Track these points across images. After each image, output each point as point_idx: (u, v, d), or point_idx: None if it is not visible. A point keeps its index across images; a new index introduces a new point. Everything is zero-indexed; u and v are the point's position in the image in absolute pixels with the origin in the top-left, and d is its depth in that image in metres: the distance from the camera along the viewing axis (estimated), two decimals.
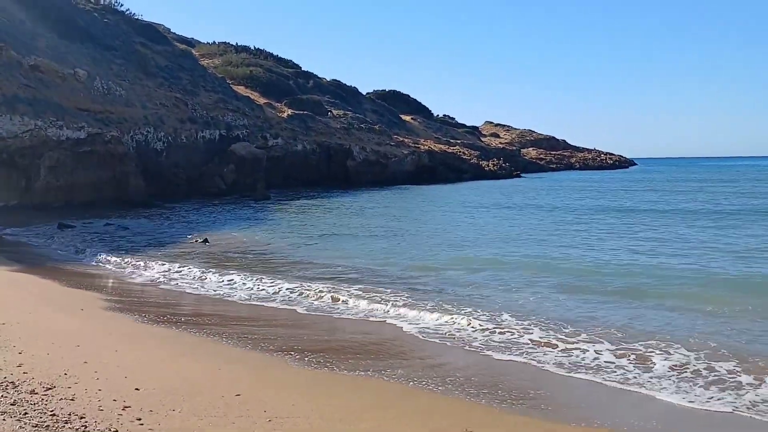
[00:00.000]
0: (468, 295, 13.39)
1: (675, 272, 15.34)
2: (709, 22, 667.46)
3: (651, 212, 32.25)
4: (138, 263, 17.53)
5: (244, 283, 14.84)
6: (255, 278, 15.28)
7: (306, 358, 9.20)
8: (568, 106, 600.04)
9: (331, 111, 70.20)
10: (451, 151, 76.60)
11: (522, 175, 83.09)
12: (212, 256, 18.86)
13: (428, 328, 10.99)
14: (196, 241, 21.63)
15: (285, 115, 62.62)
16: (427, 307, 12.21)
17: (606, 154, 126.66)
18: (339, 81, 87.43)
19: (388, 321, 11.62)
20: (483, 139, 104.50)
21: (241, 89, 63.62)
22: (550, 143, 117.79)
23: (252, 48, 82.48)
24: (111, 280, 15.47)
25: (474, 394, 7.86)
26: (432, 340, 10.43)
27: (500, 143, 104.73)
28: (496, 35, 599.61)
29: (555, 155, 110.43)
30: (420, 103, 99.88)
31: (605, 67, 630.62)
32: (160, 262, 17.46)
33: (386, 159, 64.21)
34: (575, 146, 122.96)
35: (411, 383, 8.25)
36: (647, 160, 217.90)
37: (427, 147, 73.72)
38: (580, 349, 9.61)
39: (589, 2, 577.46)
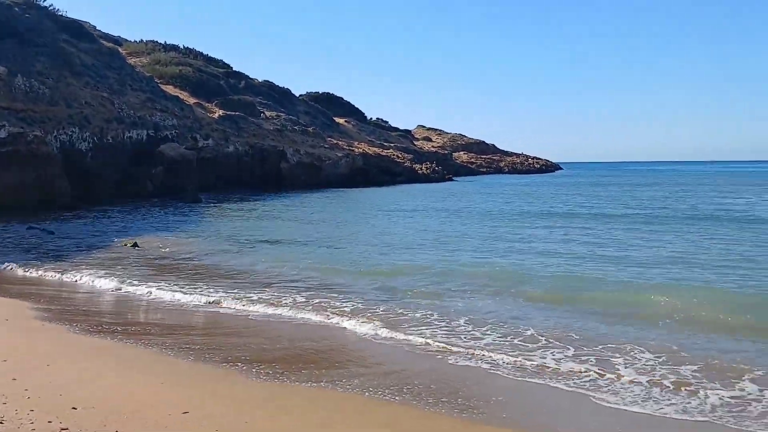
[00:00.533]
0: (419, 300, 13.13)
1: (618, 278, 15.44)
2: (633, 27, 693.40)
3: (584, 217, 32.76)
4: (66, 269, 16.56)
5: (179, 290, 14.16)
6: (189, 284, 14.65)
7: (255, 369, 8.74)
8: (497, 112, 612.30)
9: (263, 112, 69.08)
10: (385, 154, 76.64)
11: (454, 178, 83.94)
12: (143, 261, 18.04)
13: (379, 334, 10.66)
14: (125, 245, 20.69)
15: (216, 115, 61.20)
16: (379, 312, 11.94)
17: (533, 158, 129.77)
18: (271, 82, 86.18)
19: (338, 326, 11.27)
20: (416, 142, 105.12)
21: (170, 89, 61.80)
22: (480, 147, 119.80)
23: (181, 47, 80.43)
24: (38, 288, 14.50)
25: (433, 404, 7.59)
26: (386, 344, 10.14)
27: (432, 147, 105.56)
28: (428, 40, 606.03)
29: (485, 159, 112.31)
30: (353, 105, 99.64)
31: (532, 73, 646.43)
32: (88, 268, 16.57)
33: (320, 162, 63.61)
34: (504, 150, 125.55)
35: (367, 393, 7.92)
36: (572, 164, 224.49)
37: (361, 150, 73.50)
38: (538, 355, 9.47)
39: (516, 7, 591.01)
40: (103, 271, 16.17)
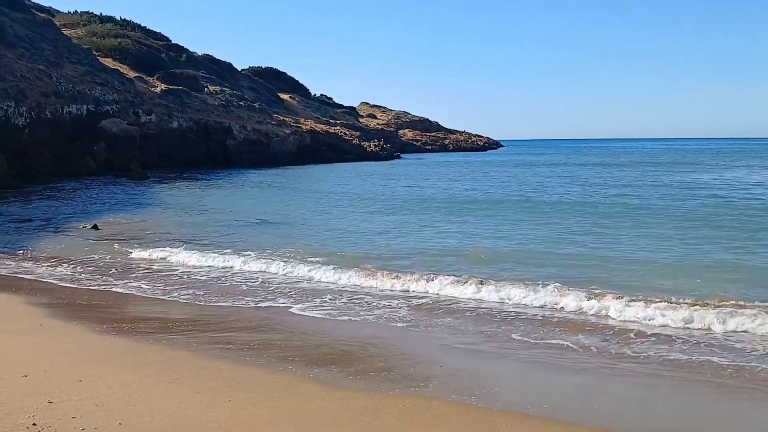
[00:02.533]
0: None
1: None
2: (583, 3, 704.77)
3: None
4: (40, 256, 15.47)
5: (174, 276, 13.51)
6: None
7: (319, 372, 7.67)
8: (439, 89, 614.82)
9: (207, 87, 67.04)
10: (333, 131, 75.55)
11: (402, 156, 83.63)
12: (111, 245, 16.96)
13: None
14: (84, 227, 19.48)
15: (158, 90, 59.03)
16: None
17: (476, 136, 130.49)
18: (212, 56, 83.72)
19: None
20: (361, 120, 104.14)
21: (108, 62, 59.22)
22: (425, 125, 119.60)
23: (118, 18, 77.12)
24: (19, 278, 13.32)
25: None
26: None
27: (378, 124, 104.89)
28: (372, 16, 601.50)
29: (430, 137, 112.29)
30: (297, 81, 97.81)
31: (476, 50, 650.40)
32: (62, 254, 15.54)
33: (268, 138, 62.19)
34: (447, 128, 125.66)
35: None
36: (513, 141, 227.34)
37: (309, 127, 72.27)
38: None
39: None
40: (77, 257, 15.23)
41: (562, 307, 10.82)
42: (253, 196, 32.35)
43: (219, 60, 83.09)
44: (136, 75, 59.64)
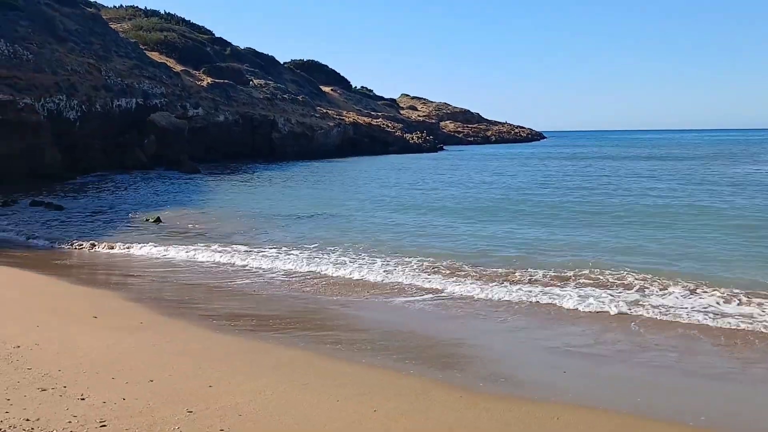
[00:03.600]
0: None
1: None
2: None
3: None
4: (118, 249, 15.37)
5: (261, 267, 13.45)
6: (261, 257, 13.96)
7: (459, 377, 7.15)
8: (480, 80, 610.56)
9: (252, 80, 67.03)
10: (375, 123, 75.08)
11: (444, 148, 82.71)
12: (184, 237, 16.70)
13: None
14: (147, 220, 19.27)
15: (204, 83, 59.14)
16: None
17: (518, 127, 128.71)
18: (254, 49, 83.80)
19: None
20: (401, 111, 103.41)
21: (155, 55, 59.53)
22: (466, 116, 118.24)
23: (162, 12, 77.75)
24: (108, 272, 13.14)
25: None
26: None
27: (419, 116, 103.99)
28: (409, 8, 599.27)
29: (472, 128, 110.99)
30: (338, 74, 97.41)
31: (516, 42, 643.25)
32: (140, 246, 15.40)
33: (312, 131, 61.96)
34: (489, 120, 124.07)
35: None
36: (551, 132, 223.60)
37: (351, 119, 71.88)
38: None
39: None
40: (161, 249, 15.29)
41: None
42: (307, 188, 31.93)
43: (261, 53, 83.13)
44: (183, 69, 59.86)
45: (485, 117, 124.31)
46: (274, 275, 12.77)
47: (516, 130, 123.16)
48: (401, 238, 16.62)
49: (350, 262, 13.48)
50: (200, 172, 39.91)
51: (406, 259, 13.58)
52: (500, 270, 12.63)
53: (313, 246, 15.27)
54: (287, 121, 60.36)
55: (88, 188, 29.83)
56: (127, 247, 15.29)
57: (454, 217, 20.52)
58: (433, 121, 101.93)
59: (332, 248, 14.91)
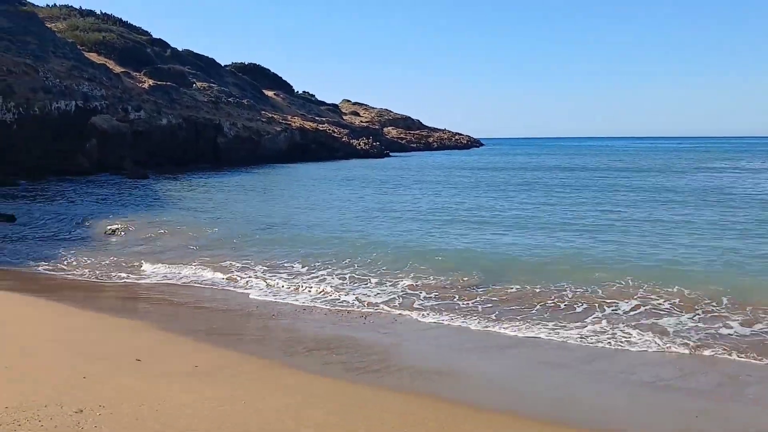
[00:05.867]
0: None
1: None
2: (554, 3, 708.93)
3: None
4: (93, 265, 13.95)
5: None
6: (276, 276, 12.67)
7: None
8: (418, 87, 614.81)
9: (195, 83, 65.19)
10: (322, 129, 74.17)
11: (390, 154, 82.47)
12: (168, 251, 15.60)
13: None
14: (107, 232, 18.01)
15: (146, 85, 57.11)
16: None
17: (458, 134, 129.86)
18: (193, 51, 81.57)
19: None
20: (344, 117, 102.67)
21: (93, 56, 57.13)
22: (407, 123, 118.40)
23: (99, 12, 74.91)
24: (107, 294, 11.82)
25: None
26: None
27: (362, 122, 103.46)
28: (348, 14, 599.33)
29: (414, 135, 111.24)
30: (281, 78, 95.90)
31: (451, 48, 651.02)
32: (149, 264, 14.11)
33: (258, 136, 60.67)
34: (429, 126, 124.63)
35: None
36: (487, 139, 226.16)
37: (298, 124, 70.80)
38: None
39: None
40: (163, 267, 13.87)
41: None
42: (257, 196, 30.99)
43: (201, 55, 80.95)
44: (123, 70, 57.66)
45: (425, 124, 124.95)
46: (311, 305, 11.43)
47: (456, 137, 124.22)
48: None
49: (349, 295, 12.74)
50: (148, 178, 38.29)
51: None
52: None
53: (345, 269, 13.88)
54: (233, 126, 58.92)
55: (34, 196, 28.07)
56: (123, 265, 14.04)
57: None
58: (376, 127, 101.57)
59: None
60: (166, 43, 76.09)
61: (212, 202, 27.06)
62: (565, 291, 11.40)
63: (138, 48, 64.45)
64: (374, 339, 9.24)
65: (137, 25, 77.80)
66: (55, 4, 73.82)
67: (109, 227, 18.39)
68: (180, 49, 79.58)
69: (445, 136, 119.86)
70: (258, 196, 29.98)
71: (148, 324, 9.66)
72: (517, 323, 9.82)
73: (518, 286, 11.73)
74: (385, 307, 10.77)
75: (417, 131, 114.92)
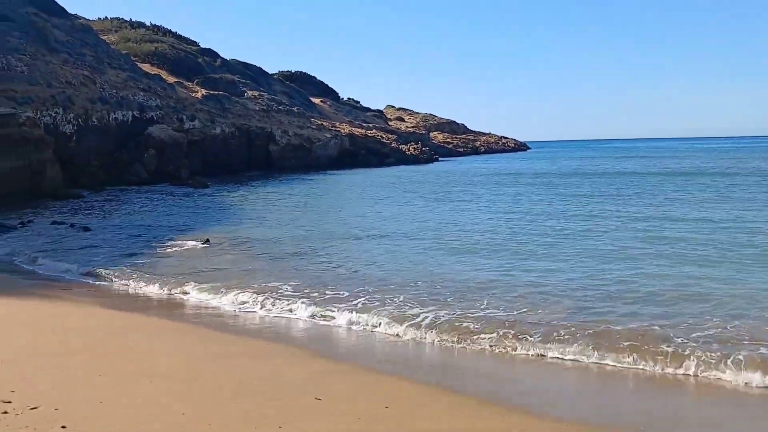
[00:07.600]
0: None
1: None
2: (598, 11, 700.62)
3: None
4: (177, 285, 12.71)
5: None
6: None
7: None
8: (462, 92, 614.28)
9: (246, 91, 65.31)
10: (371, 135, 73.70)
11: (440, 159, 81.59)
12: (241, 265, 14.63)
13: None
14: (195, 243, 17.41)
15: (199, 95, 57.33)
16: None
17: (504, 138, 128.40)
18: (240, 60, 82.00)
19: None
20: (389, 123, 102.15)
21: (146, 67, 57.61)
22: (452, 127, 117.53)
23: (148, 24, 75.79)
24: (214, 321, 10.38)
25: None
26: None
27: (408, 127, 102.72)
28: (391, 19, 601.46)
29: (461, 139, 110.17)
30: (327, 85, 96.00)
31: (494, 54, 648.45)
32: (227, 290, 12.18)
33: (310, 143, 60.39)
34: (474, 130, 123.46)
35: None
36: (535, 143, 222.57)
37: (347, 131, 70.42)
38: None
39: None
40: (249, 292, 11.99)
41: None
42: (330, 204, 30.24)
43: (250, 64, 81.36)
44: (176, 80, 58.03)
45: (470, 128, 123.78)
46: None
47: (503, 141, 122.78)
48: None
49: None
50: (209, 187, 38.07)
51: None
52: None
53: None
54: (284, 133, 58.73)
55: (99, 206, 27.90)
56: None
57: None
58: (423, 132, 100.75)
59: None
60: (216, 53, 76.60)
61: (291, 212, 26.12)
62: None
63: (189, 58, 64.90)
64: None
65: (185, 36, 78.75)
66: (106, 17, 74.89)
67: (191, 240, 17.80)
68: (228, 58, 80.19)
69: (492, 140, 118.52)
70: (329, 206, 28.99)
71: (281, 346, 8.83)
72: None
73: None
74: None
75: (463, 135, 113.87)
